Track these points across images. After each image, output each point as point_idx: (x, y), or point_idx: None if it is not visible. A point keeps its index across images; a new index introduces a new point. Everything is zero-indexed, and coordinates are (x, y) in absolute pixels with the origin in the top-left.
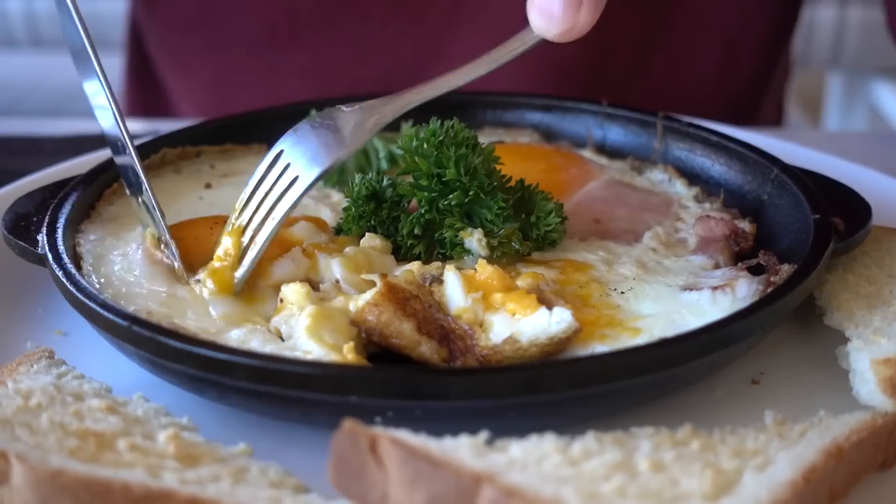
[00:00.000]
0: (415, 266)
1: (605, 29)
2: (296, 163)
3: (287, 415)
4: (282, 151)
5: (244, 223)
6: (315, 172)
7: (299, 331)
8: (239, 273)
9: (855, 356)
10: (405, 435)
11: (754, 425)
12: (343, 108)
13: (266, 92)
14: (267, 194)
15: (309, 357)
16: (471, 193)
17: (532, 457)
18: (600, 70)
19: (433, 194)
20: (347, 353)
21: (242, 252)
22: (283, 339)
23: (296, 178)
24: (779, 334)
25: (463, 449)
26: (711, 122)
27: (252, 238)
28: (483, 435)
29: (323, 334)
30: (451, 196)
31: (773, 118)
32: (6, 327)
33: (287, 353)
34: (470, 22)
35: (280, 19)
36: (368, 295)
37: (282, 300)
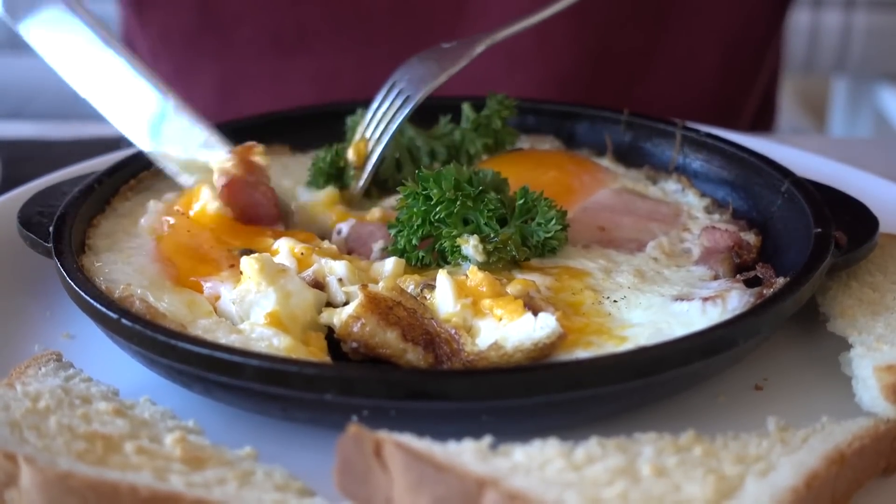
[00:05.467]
0: (415, 275)
1: (606, 36)
2: (406, 86)
3: (269, 411)
4: (395, 83)
5: (367, 137)
6: (423, 90)
7: (258, 315)
8: (362, 177)
9: (858, 363)
10: (409, 439)
11: (757, 431)
12: (444, 45)
13: (272, 97)
14: (382, 112)
15: (271, 348)
16: (458, 204)
17: (535, 461)
18: (600, 77)
19: (424, 208)
20: (313, 347)
21: (365, 159)
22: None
23: (407, 98)
24: (782, 340)
25: (467, 453)
26: (703, 124)
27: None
28: (487, 439)
29: (287, 324)
30: (438, 209)
31: (764, 117)
32: (15, 330)
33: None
34: (473, 28)
35: (285, 26)
36: (350, 308)
37: (241, 272)
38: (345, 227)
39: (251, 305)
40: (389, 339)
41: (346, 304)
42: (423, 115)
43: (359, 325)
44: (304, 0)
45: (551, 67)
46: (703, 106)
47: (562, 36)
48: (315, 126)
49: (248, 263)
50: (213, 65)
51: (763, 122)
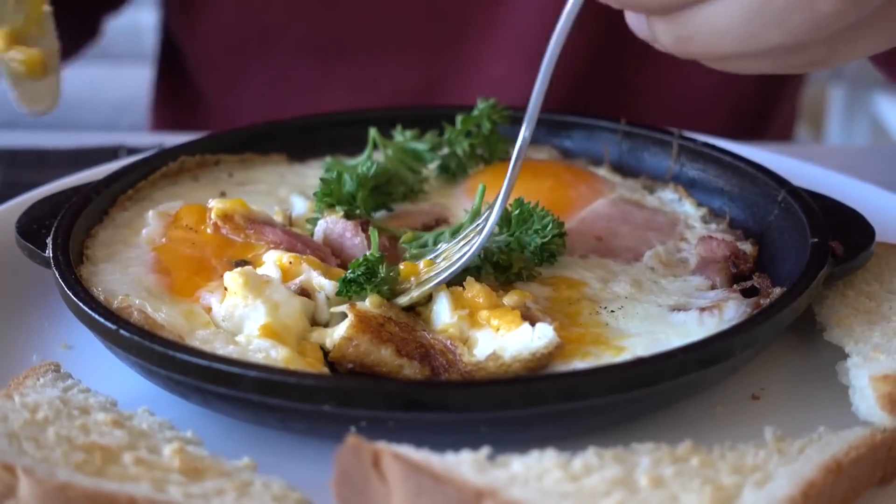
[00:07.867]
0: None
1: (609, 30)
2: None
3: (267, 421)
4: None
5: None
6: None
7: (252, 328)
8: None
9: (854, 372)
10: (408, 450)
11: (754, 441)
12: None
13: (312, 104)
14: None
15: (268, 359)
16: None
17: (533, 472)
18: (603, 75)
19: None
20: (310, 358)
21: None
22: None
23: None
24: (779, 350)
25: (465, 464)
26: (720, 138)
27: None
28: (485, 450)
29: (282, 334)
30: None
31: (783, 131)
32: (13, 341)
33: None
34: (507, 32)
35: (323, 35)
36: (342, 329)
37: (226, 288)
38: (318, 229)
39: (242, 319)
40: (385, 357)
41: (327, 323)
42: (419, 126)
43: (352, 346)
44: (341, 9)
45: (562, 62)
46: (715, 112)
47: (575, 30)
48: (311, 135)
49: (231, 278)
50: (256, 72)
51: (784, 135)
